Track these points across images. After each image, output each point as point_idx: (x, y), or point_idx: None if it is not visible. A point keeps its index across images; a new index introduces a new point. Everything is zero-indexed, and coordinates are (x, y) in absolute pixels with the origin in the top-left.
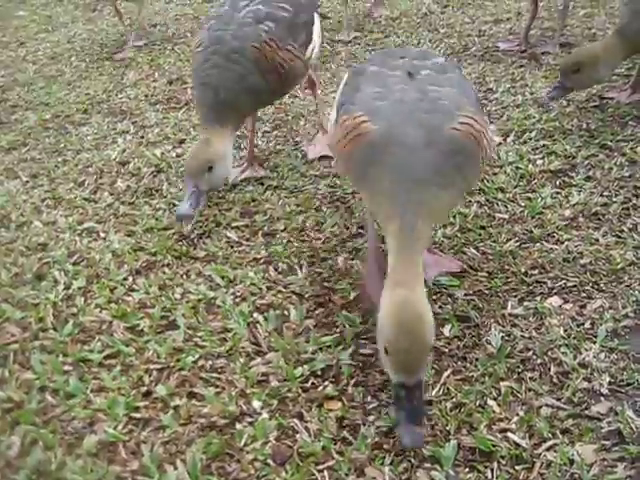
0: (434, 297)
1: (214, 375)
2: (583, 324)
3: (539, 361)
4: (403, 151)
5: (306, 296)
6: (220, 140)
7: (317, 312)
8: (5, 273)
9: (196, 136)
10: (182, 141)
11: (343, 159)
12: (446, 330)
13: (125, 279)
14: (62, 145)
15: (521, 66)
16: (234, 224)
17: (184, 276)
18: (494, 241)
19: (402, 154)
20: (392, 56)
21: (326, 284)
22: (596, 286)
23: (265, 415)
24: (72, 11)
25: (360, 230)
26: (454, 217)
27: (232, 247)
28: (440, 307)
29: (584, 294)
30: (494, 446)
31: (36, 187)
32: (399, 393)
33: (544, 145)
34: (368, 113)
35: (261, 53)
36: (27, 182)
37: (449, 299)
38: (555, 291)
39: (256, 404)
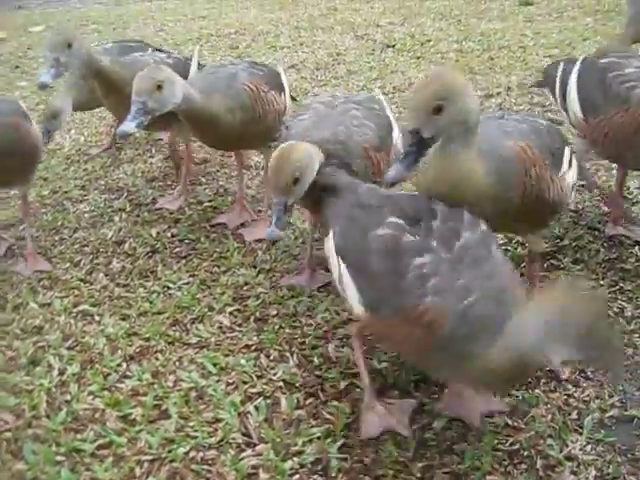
0: (422, 386)
1: (205, 467)
2: (570, 414)
3: (526, 454)
4: None
5: (297, 385)
6: None
7: (308, 402)
8: (0, 357)
9: (191, 214)
10: (177, 220)
11: None
12: (434, 422)
13: (119, 365)
14: (59, 223)
15: None
16: (227, 309)
17: (177, 363)
18: None
19: None
20: None
21: (317, 372)
22: (583, 374)
23: None
24: None
25: (351, 317)
26: None
27: (224, 333)
28: (428, 398)
29: (570, 383)
30: None
31: None
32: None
33: None
34: None
35: None
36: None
37: (436, 389)
38: (543, 380)
39: None
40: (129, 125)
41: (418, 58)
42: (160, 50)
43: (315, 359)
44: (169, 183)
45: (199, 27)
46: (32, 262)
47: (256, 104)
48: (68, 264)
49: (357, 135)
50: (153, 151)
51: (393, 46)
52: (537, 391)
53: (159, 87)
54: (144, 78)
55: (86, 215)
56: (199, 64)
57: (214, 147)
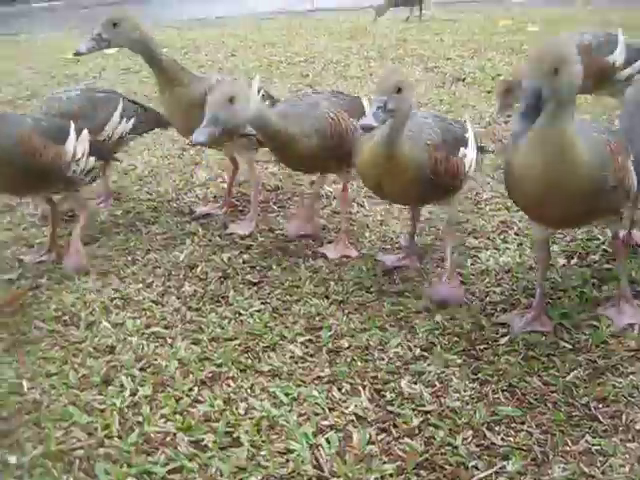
0: (496, 428)
1: None
2: None
3: None
4: None
5: (369, 420)
6: None
7: (380, 438)
8: (73, 374)
9: (262, 241)
10: (249, 247)
11: None
12: (508, 465)
13: (190, 390)
14: (132, 244)
15: None
16: (299, 339)
17: (248, 390)
18: (557, 371)
19: None
20: None
21: (389, 408)
22: None
23: None
24: None
25: (424, 353)
26: (517, 343)
27: (296, 362)
28: (502, 439)
29: None
30: None
31: (106, 286)
32: None
33: (608, 269)
34: None
35: None
36: (97, 280)
37: (511, 431)
38: (621, 428)
39: None
40: (200, 135)
41: (489, 92)
42: (133, 102)
43: (387, 394)
44: (240, 208)
45: (269, 54)
46: (73, 257)
47: (334, 131)
48: (140, 285)
49: (425, 134)
50: (225, 176)
51: (463, 79)
52: (614, 439)
53: (231, 100)
54: (217, 90)
55: (158, 237)
56: (271, 97)
57: (295, 169)
